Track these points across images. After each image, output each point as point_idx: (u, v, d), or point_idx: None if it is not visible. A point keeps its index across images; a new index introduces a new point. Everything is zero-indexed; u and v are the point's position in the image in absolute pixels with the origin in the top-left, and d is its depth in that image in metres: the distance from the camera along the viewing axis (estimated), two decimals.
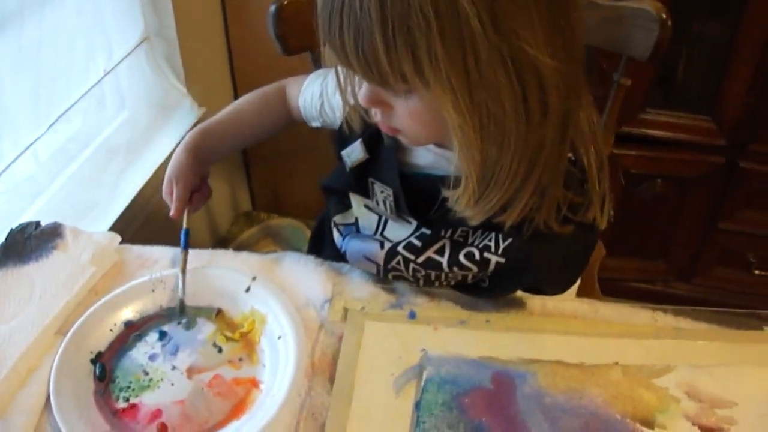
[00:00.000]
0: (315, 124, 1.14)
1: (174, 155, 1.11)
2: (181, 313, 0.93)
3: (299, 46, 1.21)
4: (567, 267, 0.98)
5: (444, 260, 0.94)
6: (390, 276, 0.98)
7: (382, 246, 0.97)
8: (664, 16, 1.16)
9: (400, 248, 0.95)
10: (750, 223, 1.97)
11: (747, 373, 0.92)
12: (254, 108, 1.19)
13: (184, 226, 1.01)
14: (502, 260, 0.91)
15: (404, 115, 0.81)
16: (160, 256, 1.01)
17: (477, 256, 0.92)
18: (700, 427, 0.85)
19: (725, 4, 1.75)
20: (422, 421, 0.82)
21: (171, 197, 1.07)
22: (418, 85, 0.72)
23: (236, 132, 1.18)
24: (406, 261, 0.95)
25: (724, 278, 2.10)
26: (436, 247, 0.94)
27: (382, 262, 0.97)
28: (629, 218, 1.97)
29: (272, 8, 1.20)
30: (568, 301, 0.99)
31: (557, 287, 1.00)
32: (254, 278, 0.95)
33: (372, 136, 0.96)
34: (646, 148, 1.88)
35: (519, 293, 0.98)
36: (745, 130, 1.82)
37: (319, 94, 1.10)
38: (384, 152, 0.96)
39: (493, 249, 0.91)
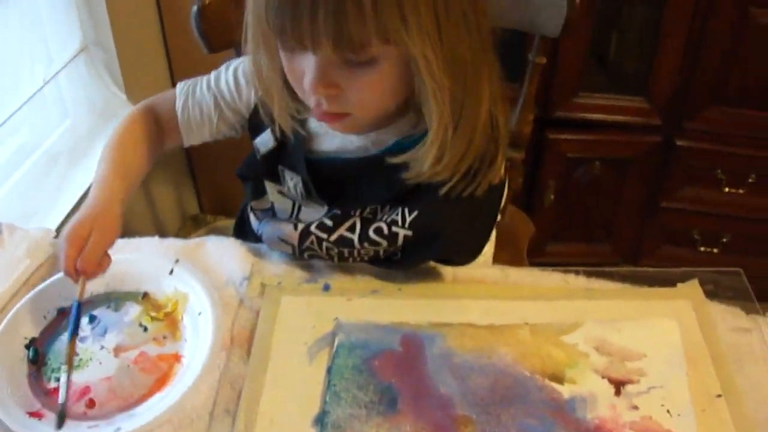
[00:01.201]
0: (193, 141, 1.12)
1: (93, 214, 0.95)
2: (60, 422, 0.83)
3: (222, 43, 1.25)
4: (474, 232, 1.02)
5: (355, 237, 0.98)
6: (306, 255, 1.02)
7: (295, 227, 1.01)
8: None
9: (312, 228, 1.00)
10: (691, 200, 2.03)
11: (655, 325, 0.96)
12: (140, 153, 1.08)
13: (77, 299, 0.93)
14: (410, 233, 0.96)
15: (361, 90, 0.84)
16: None
17: (386, 230, 0.96)
18: (609, 380, 0.89)
19: None
20: (333, 384, 0.86)
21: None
22: (401, 40, 0.78)
23: (135, 183, 1.08)
24: (320, 240, 1.00)
25: (670, 257, 2.14)
26: (347, 225, 0.99)
27: (296, 243, 1.01)
28: (570, 203, 2.03)
29: (194, 8, 1.24)
30: (479, 268, 1.03)
31: (466, 255, 1.03)
32: (177, 261, 0.99)
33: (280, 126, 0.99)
34: (582, 131, 1.93)
35: (432, 263, 1.02)
36: (678, 108, 1.87)
37: (213, 103, 1.08)
38: (292, 141, 1.00)
39: (400, 223, 0.96)
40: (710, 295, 1.00)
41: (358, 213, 0.99)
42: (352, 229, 0.99)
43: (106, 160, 1.03)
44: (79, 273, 0.90)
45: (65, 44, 1.50)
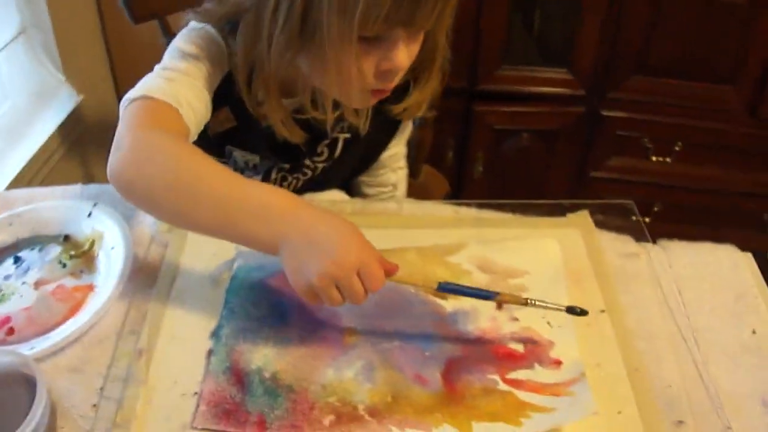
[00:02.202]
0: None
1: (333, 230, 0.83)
2: None
3: (145, 12, 1.32)
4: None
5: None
6: None
7: None
8: None
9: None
10: (620, 170, 2.11)
11: (537, 245, 1.04)
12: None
13: None
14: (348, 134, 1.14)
15: (410, 59, 0.94)
16: (19, 196, 1.13)
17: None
18: None
19: None
20: (229, 301, 0.94)
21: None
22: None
23: None
24: None
25: None
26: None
27: None
28: (499, 174, 2.11)
29: None
30: (377, 201, 1.11)
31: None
32: (95, 204, 1.06)
33: (240, 105, 1.03)
34: (509, 103, 2.01)
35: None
36: (602, 79, 1.96)
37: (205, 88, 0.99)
38: (252, 121, 1.04)
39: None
40: (600, 225, 1.07)
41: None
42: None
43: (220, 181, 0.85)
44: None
45: (3, 27, 1.56)
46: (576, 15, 1.89)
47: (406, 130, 1.27)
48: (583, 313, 0.88)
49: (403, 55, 0.91)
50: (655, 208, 2.15)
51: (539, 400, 0.83)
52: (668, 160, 2.06)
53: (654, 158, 2.07)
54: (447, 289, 0.88)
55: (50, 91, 1.68)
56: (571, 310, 0.88)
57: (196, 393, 0.83)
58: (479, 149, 2.05)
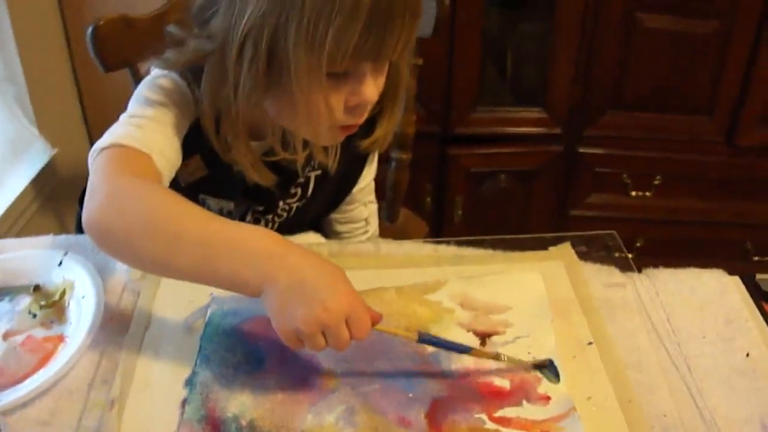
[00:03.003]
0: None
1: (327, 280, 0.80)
2: None
3: (116, 61, 1.31)
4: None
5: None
6: None
7: None
8: None
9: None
10: (600, 206, 2.11)
11: (519, 279, 1.02)
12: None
13: None
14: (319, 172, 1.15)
15: (378, 92, 0.94)
16: None
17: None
18: (475, 333, 0.94)
19: (539, 2, 1.91)
20: (204, 347, 0.91)
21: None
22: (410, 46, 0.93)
23: None
24: None
25: None
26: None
27: None
28: (480, 217, 2.10)
29: (89, 28, 1.30)
30: (354, 243, 1.09)
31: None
32: (66, 253, 1.04)
33: (211, 153, 1.01)
34: (484, 146, 2.01)
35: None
36: (577, 116, 1.96)
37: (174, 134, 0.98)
38: (224, 168, 1.03)
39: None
40: (584, 256, 1.06)
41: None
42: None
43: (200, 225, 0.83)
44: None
45: None
46: (548, 54, 1.90)
47: (374, 164, 1.27)
48: (546, 365, 0.89)
49: (372, 89, 0.90)
50: (638, 244, 2.15)
51: None
52: (648, 194, 2.06)
53: (634, 193, 2.07)
54: (426, 340, 0.88)
55: (24, 144, 1.67)
56: (538, 366, 0.89)
57: None
58: (457, 193, 2.05)
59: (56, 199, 1.85)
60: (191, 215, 0.83)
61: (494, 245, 1.08)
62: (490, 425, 0.82)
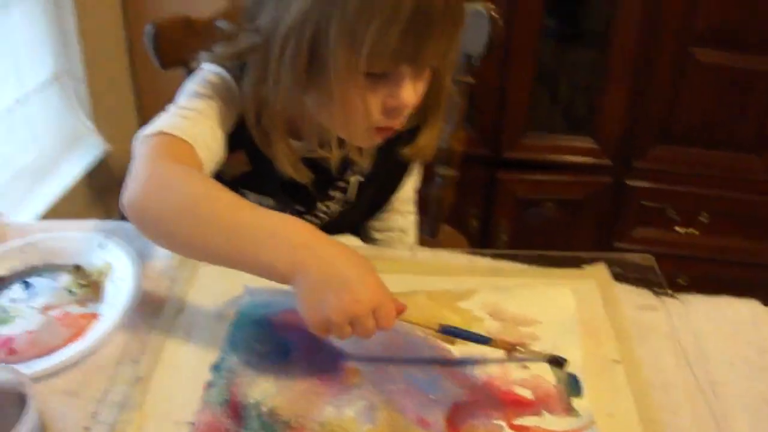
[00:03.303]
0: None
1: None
2: None
3: (173, 60, 1.35)
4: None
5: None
6: None
7: None
8: (494, 14, 1.31)
9: None
10: (644, 240, 2.08)
11: (549, 293, 1.02)
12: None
13: None
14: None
15: (416, 98, 0.95)
16: (35, 229, 1.13)
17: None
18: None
19: (594, 33, 1.91)
20: (232, 335, 0.92)
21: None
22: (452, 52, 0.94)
23: None
24: None
25: None
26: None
27: None
28: (524, 243, 2.08)
29: (150, 27, 1.34)
30: (391, 249, 1.10)
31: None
32: (108, 237, 1.06)
33: (255, 149, 1.04)
34: (533, 172, 2.01)
35: None
36: (627, 148, 1.95)
37: (219, 128, 1.01)
38: (266, 164, 1.04)
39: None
40: (618, 277, 1.05)
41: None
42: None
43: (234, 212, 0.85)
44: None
45: (39, 72, 1.61)
46: (601, 83, 1.89)
47: (415, 174, 1.28)
48: (561, 361, 0.89)
49: (409, 93, 0.92)
50: (681, 281, 2.11)
51: None
52: (694, 230, 2.03)
53: (679, 229, 2.04)
54: (447, 331, 0.89)
55: (79, 139, 1.72)
56: (552, 361, 0.89)
57: (190, 423, 0.81)
58: (503, 218, 2.04)
59: (106, 195, 1.89)
60: (227, 201, 0.85)
61: (529, 260, 1.08)
62: None
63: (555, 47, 2.03)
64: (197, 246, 0.85)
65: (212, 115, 0.99)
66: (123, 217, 1.13)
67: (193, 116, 0.96)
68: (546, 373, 0.89)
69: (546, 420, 0.83)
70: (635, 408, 0.85)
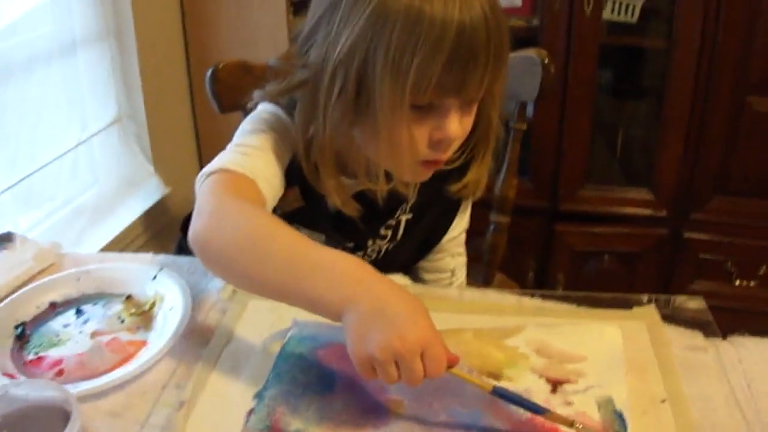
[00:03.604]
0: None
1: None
2: None
3: (232, 104, 1.38)
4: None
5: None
6: None
7: None
8: (546, 60, 1.32)
9: None
10: (702, 293, 2.01)
11: (596, 330, 1.01)
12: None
13: None
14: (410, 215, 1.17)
15: (463, 131, 0.96)
16: (90, 259, 1.17)
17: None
18: (547, 379, 0.92)
19: (649, 85, 1.91)
20: (277, 366, 0.93)
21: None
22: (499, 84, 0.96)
23: None
24: None
25: None
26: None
27: None
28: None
29: (209, 70, 1.38)
30: (438, 288, 1.10)
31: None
32: (161, 269, 1.09)
33: (308, 185, 1.07)
34: (590, 224, 1.99)
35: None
36: (684, 199, 1.93)
37: (277, 163, 1.03)
38: (319, 201, 1.06)
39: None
40: (668, 319, 1.04)
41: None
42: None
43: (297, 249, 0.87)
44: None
45: (101, 114, 1.66)
46: (657, 135, 1.88)
47: (466, 215, 1.28)
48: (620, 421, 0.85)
49: (455, 125, 0.93)
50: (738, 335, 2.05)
51: None
52: (752, 284, 1.98)
53: (738, 282, 1.99)
54: (501, 394, 0.85)
55: (139, 180, 1.76)
56: None
57: None
58: (560, 270, 2.03)
59: (163, 237, 1.93)
60: (284, 235, 0.87)
61: (578, 301, 1.07)
62: None
63: (611, 101, 2.03)
64: (255, 278, 0.87)
65: (270, 151, 1.01)
66: (178, 251, 1.16)
67: (251, 152, 0.99)
68: (591, 410, 0.87)
69: None
70: None
